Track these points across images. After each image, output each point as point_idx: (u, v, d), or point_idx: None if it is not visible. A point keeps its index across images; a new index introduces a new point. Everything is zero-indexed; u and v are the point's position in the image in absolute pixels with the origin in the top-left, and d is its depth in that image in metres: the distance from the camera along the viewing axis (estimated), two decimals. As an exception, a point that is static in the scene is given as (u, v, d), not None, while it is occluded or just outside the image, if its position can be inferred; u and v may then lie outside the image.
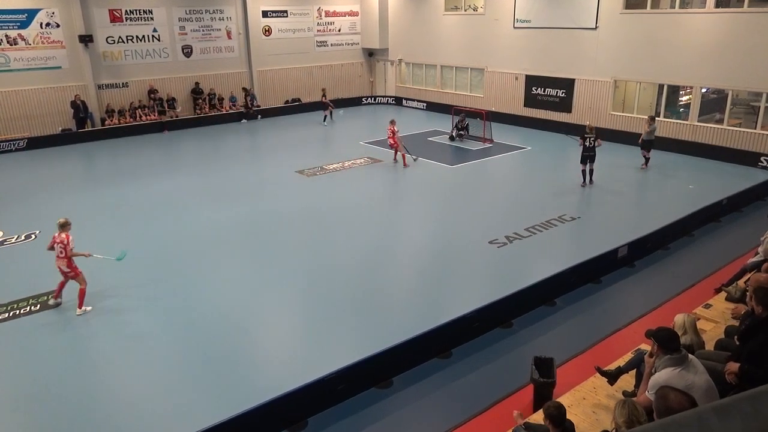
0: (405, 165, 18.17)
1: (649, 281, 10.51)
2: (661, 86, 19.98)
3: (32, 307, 9.70)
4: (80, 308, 9.41)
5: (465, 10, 26.52)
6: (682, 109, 20.03)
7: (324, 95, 25.84)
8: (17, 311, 9.59)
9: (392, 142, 18.17)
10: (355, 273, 10.81)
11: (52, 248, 9.39)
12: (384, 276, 10.82)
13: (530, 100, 24.25)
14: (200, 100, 25.94)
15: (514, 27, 24.04)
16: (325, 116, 25.59)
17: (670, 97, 20.08)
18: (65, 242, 9.24)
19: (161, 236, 12.78)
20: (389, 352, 7.63)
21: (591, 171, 15.70)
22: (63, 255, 9.27)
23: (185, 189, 16.27)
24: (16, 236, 12.90)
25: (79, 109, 22.61)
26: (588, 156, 15.48)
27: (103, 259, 9.83)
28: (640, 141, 17.22)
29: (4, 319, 9.35)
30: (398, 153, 18.42)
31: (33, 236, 12.90)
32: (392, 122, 18.22)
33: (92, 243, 12.41)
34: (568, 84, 22.61)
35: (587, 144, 15.31)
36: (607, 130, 20.98)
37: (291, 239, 12.63)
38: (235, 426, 6.36)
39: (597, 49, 21.34)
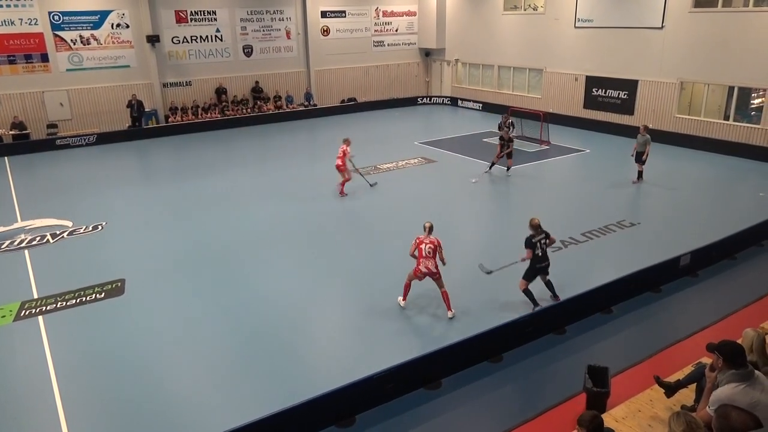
0: (342, 193, 15.28)
1: (713, 292, 10.04)
2: (731, 88, 19.09)
3: (97, 295, 10.17)
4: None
5: (524, 10, 26.11)
6: (753, 113, 19.06)
7: (506, 141, 17.22)
8: (83, 298, 10.09)
9: (340, 163, 15.12)
10: (405, 273, 10.81)
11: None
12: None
13: (590, 102, 23.66)
14: (260, 100, 26.58)
15: (575, 26, 23.51)
16: (492, 163, 17.73)
17: (741, 100, 19.15)
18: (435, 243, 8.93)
19: (216, 231, 13.14)
20: (439, 354, 7.59)
21: (548, 282, 9.33)
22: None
23: (241, 186, 16.70)
24: (84, 227, 13.55)
25: (134, 109, 23.53)
26: (542, 268, 9.12)
27: None
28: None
29: (73, 305, 9.84)
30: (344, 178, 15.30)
31: (100, 227, 13.51)
32: (346, 141, 15.39)
33: (154, 234, 12.94)
34: (630, 85, 21.93)
35: (538, 252, 8.94)
36: (672, 134, 20.26)
37: (343, 237, 12.77)
38: (285, 419, 6.46)
39: (663, 50, 20.59)
